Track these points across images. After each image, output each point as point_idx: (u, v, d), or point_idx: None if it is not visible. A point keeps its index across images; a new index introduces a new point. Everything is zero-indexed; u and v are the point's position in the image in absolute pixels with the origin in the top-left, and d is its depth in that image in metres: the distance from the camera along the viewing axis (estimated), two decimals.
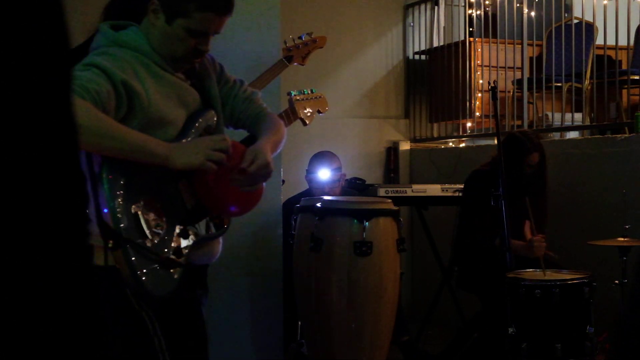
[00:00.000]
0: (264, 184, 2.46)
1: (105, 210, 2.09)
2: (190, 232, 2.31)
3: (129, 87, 2.21)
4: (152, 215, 2.20)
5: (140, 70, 2.27)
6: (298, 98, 3.71)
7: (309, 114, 3.72)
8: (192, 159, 2.24)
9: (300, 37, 4.17)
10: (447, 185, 5.22)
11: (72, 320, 0.95)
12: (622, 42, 5.27)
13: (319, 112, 3.78)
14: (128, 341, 2.33)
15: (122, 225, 2.11)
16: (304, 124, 3.75)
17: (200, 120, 2.40)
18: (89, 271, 0.98)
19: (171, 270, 2.21)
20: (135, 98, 2.22)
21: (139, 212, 2.16)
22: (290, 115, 3.67)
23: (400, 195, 5.11)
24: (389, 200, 4.04)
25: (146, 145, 2.18)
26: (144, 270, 2.13)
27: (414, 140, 6.84)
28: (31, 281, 0.92)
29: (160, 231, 2.21)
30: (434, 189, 5.25)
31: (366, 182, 5.30)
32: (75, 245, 0.94)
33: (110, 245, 2.08)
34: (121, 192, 2.14)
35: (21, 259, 0.92)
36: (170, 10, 2.29)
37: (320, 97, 3.80)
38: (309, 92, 3.76)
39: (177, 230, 2.27)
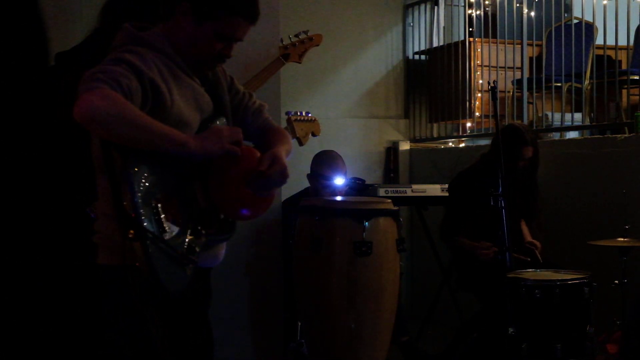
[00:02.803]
0: None
1: (131, 201, 2.10)
2: (202, 232, 2.32)
3: (155, 86, 2.23)
4: (170, 211, 2.21)
5: (164, 70, 2.30)
6: (295, 118, 3.86)
7: (304, 135, 3.86)
8: (214, 146, 2.26)
9: (296, 36, 4.20)
10: (447, 185, 5.21)
11: (72, 318, 0.95)
12: (622, 42, 5.27)
13: (313, 134, 3.95)
14: (129, 341, 2.33)
15: (142, 216, 2.11)
16: (300, 144, 3.92)
17: (213, 126, 2.41)
18: (90, 269, 0.98)
19: (185, 267, 2.22)
20: (160, 97, 2.25)
21: (159, 206, 2.17)
22: (290, 133, 3.82)
23: (400, 195, 5.11)
24: (389, 200, 4.03)
25: (173, 135, 2.20)
26: (161, 264, 2.13)
27: (414, 140, 6.84)
28: (32, 279, 0.92)
29: (176, 227, 2.22)
30: (434, 189, 5.26)
31: (366, 182, 5.30)
32: (77, 243, 0.95)
33: (130, 235, 2.08)
34: (143, 185, 2.15)
35: (23, 257, 0.92)
36: (201, 12, 2.31)
37: (314, 120, 4.01)
38: (304, 114, 3.91)
39: (190, 229, 2.28)
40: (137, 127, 2.12)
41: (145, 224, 2.10)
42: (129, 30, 2.36)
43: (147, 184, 2.17)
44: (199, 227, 2.31)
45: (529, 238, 4.55)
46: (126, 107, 2.11)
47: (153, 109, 2.23)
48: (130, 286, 2.24)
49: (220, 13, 2.30)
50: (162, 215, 2.19)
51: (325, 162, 4.92)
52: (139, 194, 2.13)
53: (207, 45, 2.34)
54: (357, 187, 5.14)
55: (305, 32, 4.23)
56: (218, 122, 2.45)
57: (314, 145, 5.33)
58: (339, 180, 4.85)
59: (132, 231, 2.09)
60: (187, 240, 2.25)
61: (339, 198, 4.38)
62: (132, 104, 2.15)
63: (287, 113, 3.97)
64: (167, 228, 2.19)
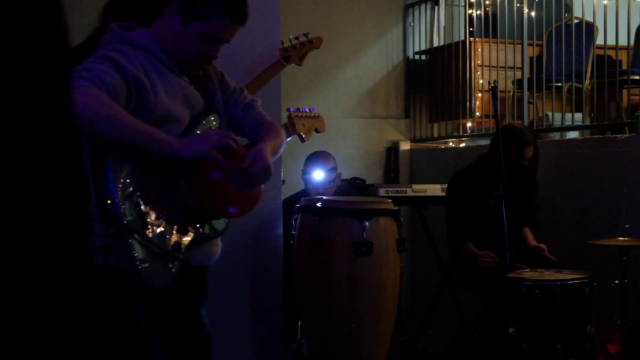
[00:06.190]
0: (263, 185, 2.47)
1: (109, 199, 2.10)
2: (189, 229, 2.32)
3: (138, 82, 2.24)
4: (153, 208, 2.22)
5: (149, 68, 2.30)
6: (296, 115, 3.84)
7: (307, 131, 3.84)
8: (201, 148, 2.26)
9: (297, 38, 4.21)
10: (447, 185, 5.21)
11: (69, 319, 0.95)
12: (622, 42, 5.27)
13: (316, 130, 3.93)
14: (124, 342, 2.33)
15: (124, 213, 2.12)
16: (302, 140, 3.88)
17: (204, 121, 2.42)
18: (88, 271, 0.98)
19: (169, 265, 2.22)
20: (144, 93, 2.25)
21: (141, 203, 2.18)
22: (290, 129, 3.81)
23: (400, 195, 5.11)
24: (389, 200, 4.04)
25: (157, 135, 2.21)
26: (143, 260, 2.14)
27: (414, 140, 6.84)
28: (31, 280, 0.92)
29: (160, 224, 2.22)
30: (434, 189, 5.26)
31: (366, 182, 5.29)
32: (75, 245, 0.95)
33: (112, 232, 2.09)
34: (125, 182, 2.16)
35: (22, 258, 0.92)
36: (189, 13, 2.32)
37: (317, 116, 3.97)
38: (307, 110, 3.89)
39: (177, 226, 2.28)
40: (121, 126, 2.13)
41: (126, 221, 2.11)
42: (115, 30, 2.37)
43: (130, 182, 2.17)
44: (187, 224, 2.32)
45: (534, 243, 4.56)
46: (111, 106, 2.12)
47: (138, 105, 2.24)
48: (119, 287, 2.25)
49: (207, 14, 2.31)
50: (146, 212, 2.19)
51: (308, 158, 4.95)
52: (121, 192, 2.13)
53: (193, 45, 2.34)
54: (357, 187, 5.14)
55: (306, 35, 4.23)
56: (211, 118, 2.46)
57: (314, 145, 5.33)
58: (318, 174, 4.84)
59: (113, 228, 2.10)
60: (172, 237, 2.26)
61: (339, 198, 4.39)
62: (116, 101, 2.16)
63: (289, 109, 3.96)
64: (150, 225, 2.20)
